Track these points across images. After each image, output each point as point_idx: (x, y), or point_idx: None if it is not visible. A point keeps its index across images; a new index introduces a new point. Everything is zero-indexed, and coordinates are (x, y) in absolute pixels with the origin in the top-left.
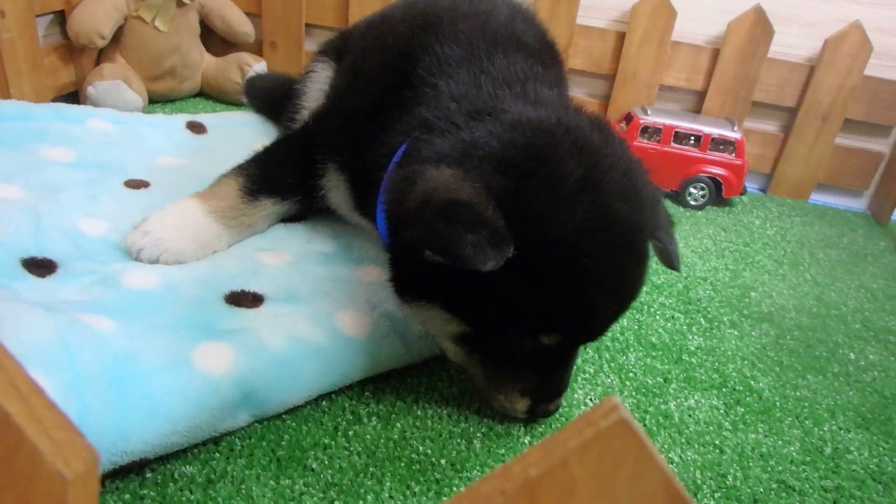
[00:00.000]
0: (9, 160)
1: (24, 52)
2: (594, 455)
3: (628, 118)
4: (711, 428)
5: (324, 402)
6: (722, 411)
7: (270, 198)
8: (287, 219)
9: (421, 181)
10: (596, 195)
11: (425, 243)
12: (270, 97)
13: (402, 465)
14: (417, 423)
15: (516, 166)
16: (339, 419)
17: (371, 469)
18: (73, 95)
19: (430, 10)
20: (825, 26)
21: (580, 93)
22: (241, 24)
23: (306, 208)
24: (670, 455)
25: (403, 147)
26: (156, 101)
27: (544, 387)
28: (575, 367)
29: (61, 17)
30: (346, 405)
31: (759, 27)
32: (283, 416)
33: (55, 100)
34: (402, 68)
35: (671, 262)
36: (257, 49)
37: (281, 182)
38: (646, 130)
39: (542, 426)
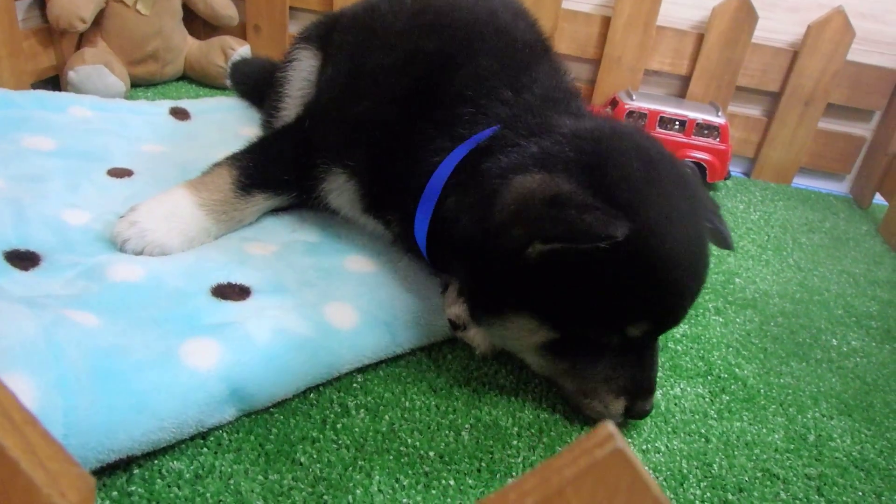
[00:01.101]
0: None
1: (2, 37)
2: (589, 485)
3: (613, 103)
4: (697, 416)
5: (311, 395)
6: (707, 399)
7: (263, 192)
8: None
9: (509, 190)
10: (658, 187)
11: (541, 232)
12: (255, 82)
13: (391, 458)
14: (406, 415)
15: (591, 168)
16: (328, 412)
17: (360, 462)
18: (54, 80)
19: (426, 7)
20: (808, 12)
21: None
22: (225, 7)
23: (299, 204)
24: (657, 444)
25: (448, 165)
26: (138, 85)
27: (636, 384)
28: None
29: (41, 1)
30: (334, 397)
31: (744, 12)
32: (271, 409)
33: (35, 85)
34: (424, 76)
35: (725, 242)
36: (241, 32)
37: (275, 178)
38: (631, 115)
39: (530, 417)
